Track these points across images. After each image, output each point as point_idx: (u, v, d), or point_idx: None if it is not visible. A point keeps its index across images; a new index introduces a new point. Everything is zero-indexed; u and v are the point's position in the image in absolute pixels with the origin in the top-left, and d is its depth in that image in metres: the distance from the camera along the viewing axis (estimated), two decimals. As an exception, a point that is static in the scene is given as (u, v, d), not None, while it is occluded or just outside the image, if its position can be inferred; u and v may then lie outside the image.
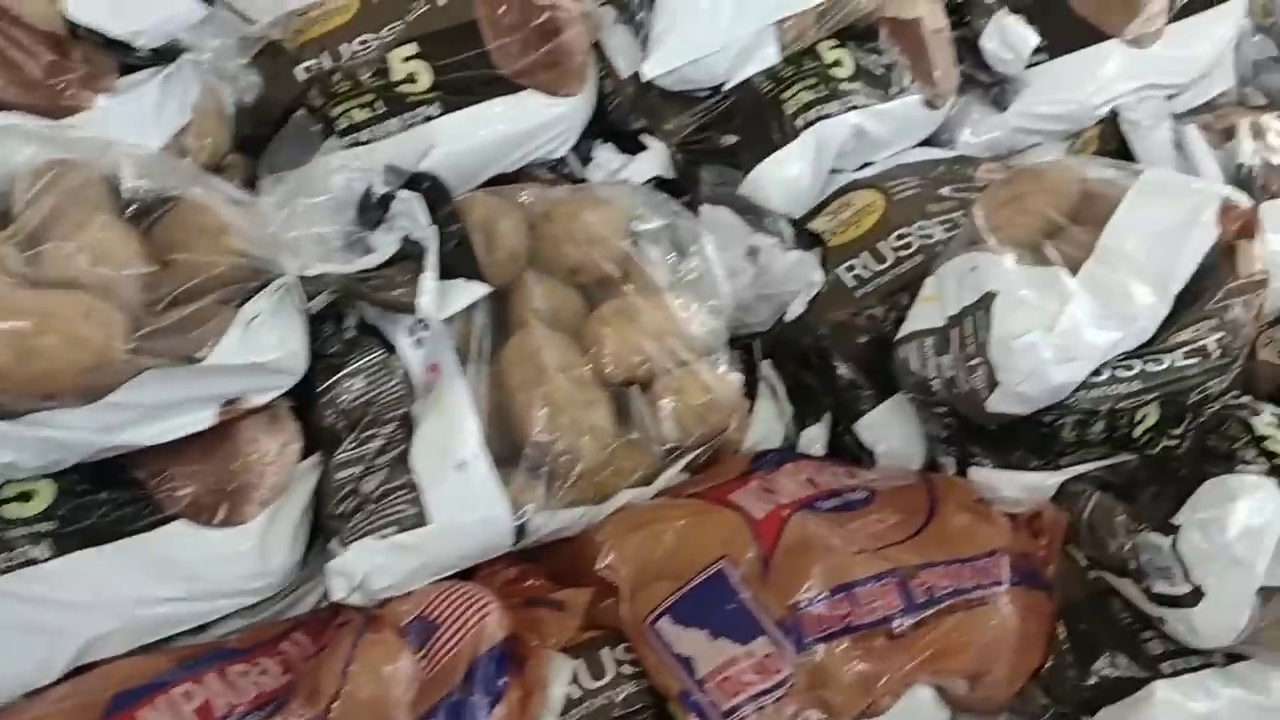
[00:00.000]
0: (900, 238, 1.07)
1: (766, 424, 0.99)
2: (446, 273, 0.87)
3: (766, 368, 1.04)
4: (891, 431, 1.02)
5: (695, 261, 0.91)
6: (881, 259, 1.07)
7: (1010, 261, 0.94)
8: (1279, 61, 1.60)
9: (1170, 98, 1.35)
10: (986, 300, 0.92)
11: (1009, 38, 1.19)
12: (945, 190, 1.12)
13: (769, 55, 1.07)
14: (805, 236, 1.01)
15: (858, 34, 1.12)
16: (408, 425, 0.87)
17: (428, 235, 0.86)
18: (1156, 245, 0.96)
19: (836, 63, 1.10)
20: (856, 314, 1.05)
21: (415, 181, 0.92)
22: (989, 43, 1.20)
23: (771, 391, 1.03)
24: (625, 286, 0.90)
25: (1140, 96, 1.28)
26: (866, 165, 1.18)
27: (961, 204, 1.09)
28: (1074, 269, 0.94)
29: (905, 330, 0.99)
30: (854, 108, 1.10)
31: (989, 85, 1.24)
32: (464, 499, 0.84)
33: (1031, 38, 1.19)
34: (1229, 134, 1.33)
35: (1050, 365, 0.88)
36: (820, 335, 1.04)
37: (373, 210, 0.90)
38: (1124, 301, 0.92)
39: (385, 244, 0.87)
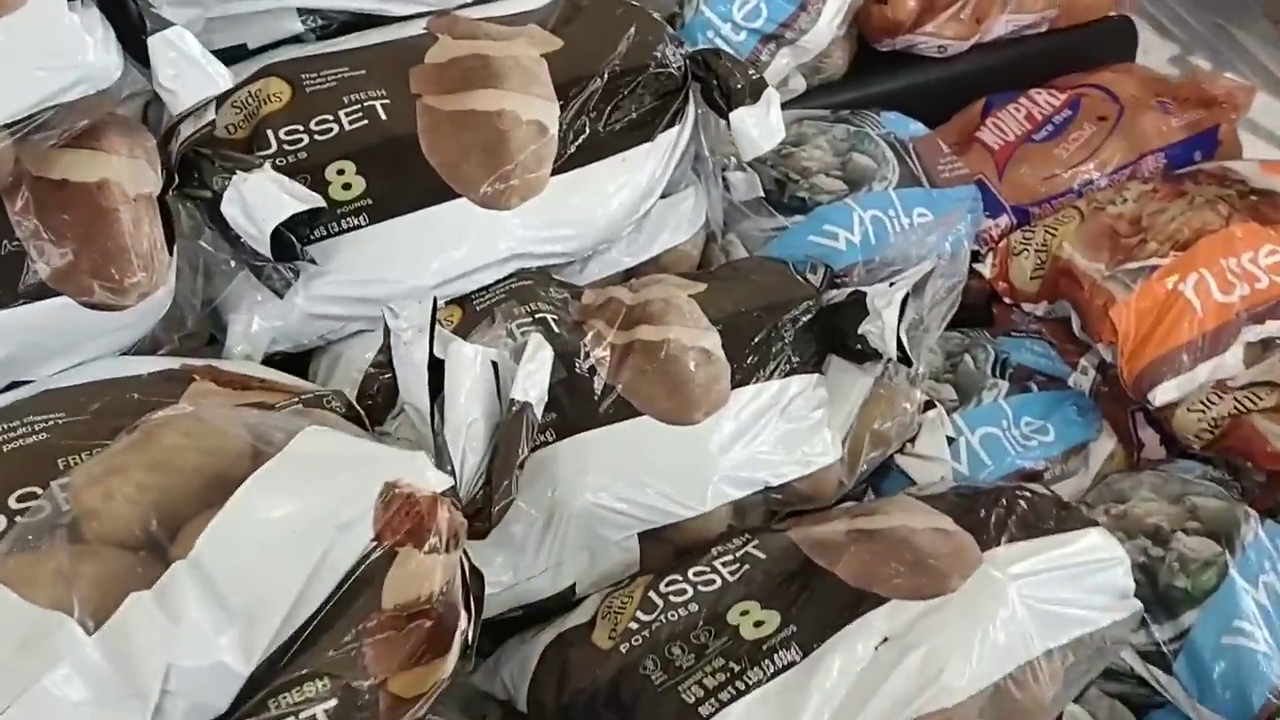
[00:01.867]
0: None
1: None
2: None
3: None
4: None
5: None
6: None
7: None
8: (762, 203, 1.36)
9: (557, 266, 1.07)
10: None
11: (253, 208, 0.87)
12: (107, 429, 0.78)
13: None
14: None
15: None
16: None
17: None
18: (262, 565, 0.64)
19: None
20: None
21: None
22: (230, 209, 0.87)
23: None
24: None
25: (461, 279, 0.99)
26: (15, 386, 0.82)
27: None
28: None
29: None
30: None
31: (264, 264, 0.92)
32: None
33: (283, 210, 0.87)
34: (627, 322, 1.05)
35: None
36: None
37: None
38: (149, 675, 0.60)
39: None
